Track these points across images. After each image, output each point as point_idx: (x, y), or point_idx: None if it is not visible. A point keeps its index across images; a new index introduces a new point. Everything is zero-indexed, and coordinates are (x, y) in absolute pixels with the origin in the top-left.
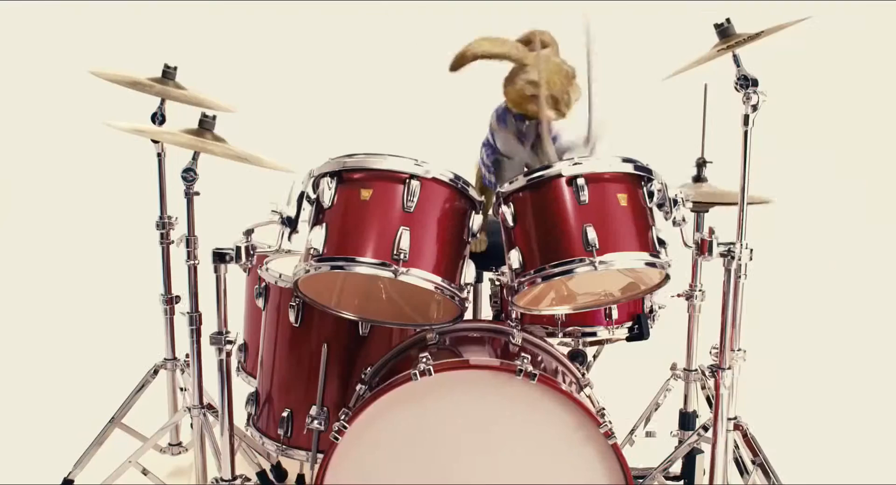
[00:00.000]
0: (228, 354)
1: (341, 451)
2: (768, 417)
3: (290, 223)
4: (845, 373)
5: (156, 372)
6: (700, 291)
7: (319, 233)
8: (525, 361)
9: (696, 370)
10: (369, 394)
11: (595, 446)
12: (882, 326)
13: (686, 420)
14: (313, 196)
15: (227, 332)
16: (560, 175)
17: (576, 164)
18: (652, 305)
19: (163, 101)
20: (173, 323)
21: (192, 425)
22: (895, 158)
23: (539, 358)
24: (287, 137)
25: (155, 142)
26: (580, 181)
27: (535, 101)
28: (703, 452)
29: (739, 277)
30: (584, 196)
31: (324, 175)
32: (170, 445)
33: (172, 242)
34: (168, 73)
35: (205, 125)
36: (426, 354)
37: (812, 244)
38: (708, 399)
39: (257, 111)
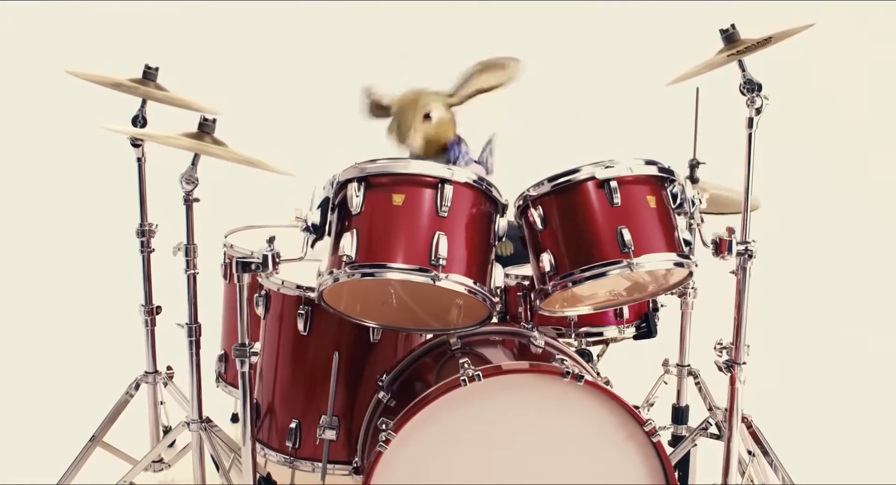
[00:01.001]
0: (252, 367)
1: (387, 459)
2: (759, 410)
3: (316, 230)
4: (834, 366)
5: (137, 386)
6: (693, 288)
7: (350, 239)
8: (565, 363)
9: (688, 366)
10: (394, 402)
11: (636, 445)
12: (866, 319)
13: (679, 415)
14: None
15: (251, 344)
16: (592, 178)
17: (608, 167)
18: (657, 304)
19: (144, 103)
20: (154, 335)
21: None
22: (879, 156)
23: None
24: (267, 139)
25: (136, 146)
26: (613, 184)
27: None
28: (696, 445)
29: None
30: (617, 199)
31: (350, 181)
32: (152, 461)
33: (153, 249)
34: (149, 74)
35: (204, 128)
36: (466, 359)
37: (798, 243)
38: (702, 395)
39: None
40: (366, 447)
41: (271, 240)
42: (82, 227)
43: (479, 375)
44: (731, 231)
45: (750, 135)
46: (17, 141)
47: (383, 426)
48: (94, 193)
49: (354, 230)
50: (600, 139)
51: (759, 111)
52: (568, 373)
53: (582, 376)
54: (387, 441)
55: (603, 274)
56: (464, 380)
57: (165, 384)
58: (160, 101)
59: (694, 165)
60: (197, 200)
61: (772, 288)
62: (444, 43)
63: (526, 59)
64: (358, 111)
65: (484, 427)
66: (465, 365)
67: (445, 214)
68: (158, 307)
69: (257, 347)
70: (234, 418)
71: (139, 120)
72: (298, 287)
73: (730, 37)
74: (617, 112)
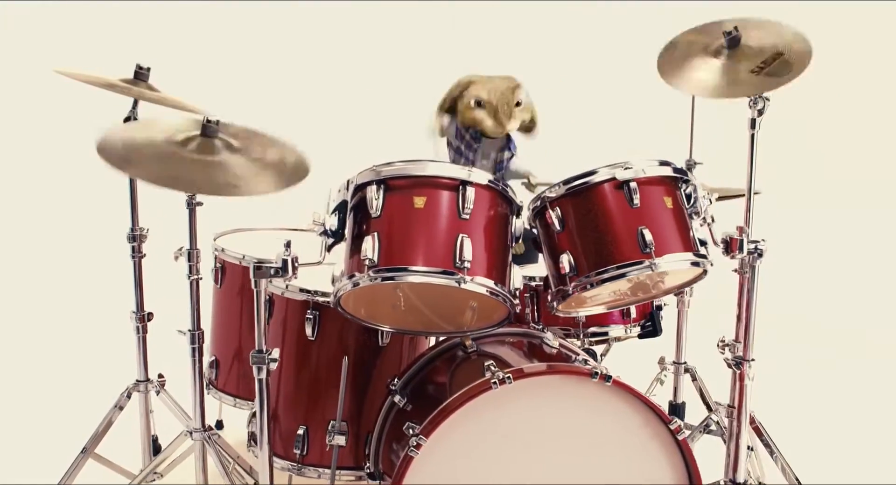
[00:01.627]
0: (269, 373)
1: (416, 464)
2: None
3: (335, 234)
4: (831, 363)
5: (129, 395)
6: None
7: (371, 243)
8: (588, 363)
9: (685, 363)
10: (411, 406)
11: (661, 444)
12: (863, 317)
13: (676, 412)
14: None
15: (269, 350)
16: (612, 179)
17: (626, 168)
18: (660, 303)
19: (136, 104)
20: (146, 342)
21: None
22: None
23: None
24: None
25: None
26: (633, 185)
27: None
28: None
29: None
30: (637, 199)
31: (368, 183)
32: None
33: (144, 255)
34: (141, 75)
35: (207, 131)
36: (491, 362)
37: (795, 240)
38: (700, 392)
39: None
40: (380, 452)
41: (288, 244)
42: (71, 231)
43: (509, 377)
44: (741, 230)
45: (752, 135)
46: (5, 143)
47: (410, 431)
48: (84, 196)
49: (375, 233)
50: (593, 140)
51: (761, 112)
52: (596, 373)
53: (610, 377)
54: (417, 446)
55: (623, 275)
56: (494, 383)
57: (158, 393)
58: (152, 102)
59: (690, 166)
60: (200, 203)
61: (767, 285)
62: (447, 43)
63: (524, 59)
64: (354, 112)
65: (510, 428)
66: (492, 367)
67: (468, 217)
68: (150, 314)
69: (276, 353)
70: (220, 425)
71: (131, 121)
72: (304, 291)
73: (734, 39)
74: (607, 113)
